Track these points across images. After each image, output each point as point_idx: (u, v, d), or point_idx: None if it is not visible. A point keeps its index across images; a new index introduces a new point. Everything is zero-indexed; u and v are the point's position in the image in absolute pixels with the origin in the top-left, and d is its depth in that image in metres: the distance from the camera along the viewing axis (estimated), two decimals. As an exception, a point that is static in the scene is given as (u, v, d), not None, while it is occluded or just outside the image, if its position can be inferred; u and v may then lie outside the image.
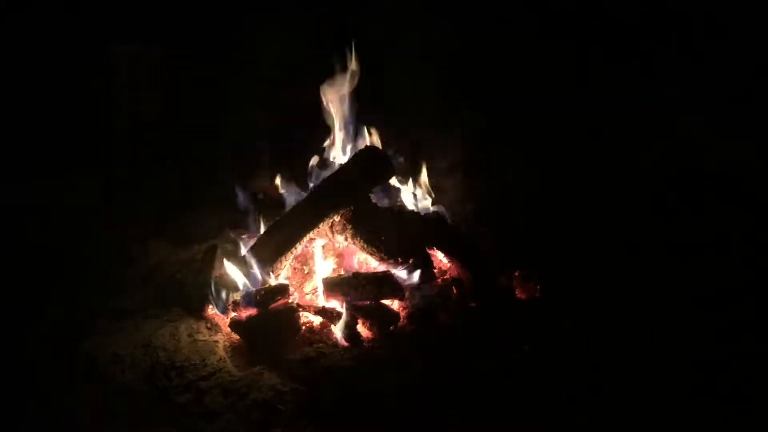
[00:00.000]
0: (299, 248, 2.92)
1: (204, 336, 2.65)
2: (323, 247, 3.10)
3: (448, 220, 3.20)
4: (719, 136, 3.79)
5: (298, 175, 3.32)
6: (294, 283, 2.95)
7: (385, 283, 2.76)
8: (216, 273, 2.90)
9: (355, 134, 3.35)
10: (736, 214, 3.33)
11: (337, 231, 3.00)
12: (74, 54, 3.98)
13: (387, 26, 4.15)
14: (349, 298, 2.72)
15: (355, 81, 3.27)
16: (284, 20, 4.15)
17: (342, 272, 2.98)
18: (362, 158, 3.13)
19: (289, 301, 2.80)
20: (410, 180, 3.39)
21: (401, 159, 3.40)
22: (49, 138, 3.82)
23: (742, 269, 2.99)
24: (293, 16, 4.19)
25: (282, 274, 2.90)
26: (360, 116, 3.34)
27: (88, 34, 4.02)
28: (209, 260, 2.98)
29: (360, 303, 2.72)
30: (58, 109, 3.96)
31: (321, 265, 2.99)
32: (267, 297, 2.71)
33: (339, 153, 3.39)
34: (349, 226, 2.96)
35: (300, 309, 2.73)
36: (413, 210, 3.22)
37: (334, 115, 3.33)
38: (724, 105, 3.87)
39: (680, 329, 2.65)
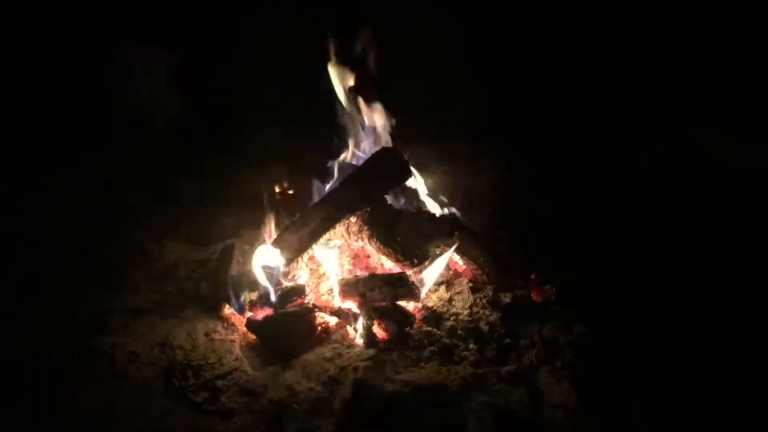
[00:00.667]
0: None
1: (220, 335, 2.66)
2: (339, 247, 3.11)
3: (464, 222, 3.20)
4: (721, 136, 3.77)
5: (314, 176, 3.32)
6: (310, 283, 2.96)
7: (401, 285, 2.76)
8: (233, 272, 2.91)
9: (370, 135, 3.36)
10: (744, 215, 3.30)
11: (353, 232, 3.01)
12: (95, 54, 4.03)
13: (391, 24, 4.15)
14: (365, 299, 2.72)
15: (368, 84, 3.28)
16: (300, 18, 4.17)
17: (358, 273, 2.98)
18: (379, 160, 3.13)
19: (305, 301, 2.81)
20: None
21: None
22: (69, 136, 3.85)
23: (748, 270, 2.96)
24: (307, 15, 4.21)
25: (299, 274, 2.91)
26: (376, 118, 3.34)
27: (108, 35, 4.06)
28: (226, 260, 3.00)
29: (376, 304, 2.72)
30: (77, 108, 4.00)
31: (337, 266, 3.00)
32: (283, 297, 2.73)
33: (355, 154, 3.39)
34: (366, 227, 2.97)
35: (316, 309, 2.73)
36: (429, 211, 3.22)
37: (349, 116, 3.34)
38: (725, 104, 3.85)
39: (690, 332, 2.63)
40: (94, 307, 2.84)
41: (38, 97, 3.91)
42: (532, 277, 2.92)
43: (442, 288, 2.85)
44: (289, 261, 2.83)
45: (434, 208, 3.30)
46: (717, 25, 4.03)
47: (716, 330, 2.64)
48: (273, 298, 2.72)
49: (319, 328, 2.69)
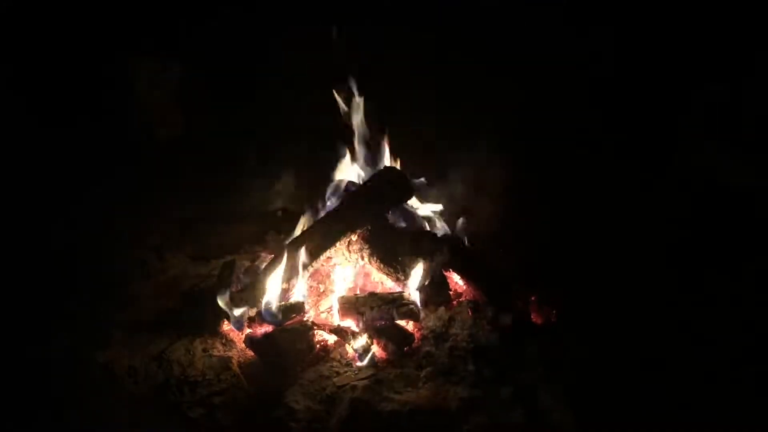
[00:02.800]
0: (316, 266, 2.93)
1: (218, 351, 2.65)
2: (340, 265, 3.11)
3: (465, 242, 3.21)
4: (734, 157, 3.77)
5: (317, 193, 3.33)
6: (309, 300, 2.95)
7: (401, 304, 2.75)
8: (233, 289, 2.91)
9: (374, 154, 3.37)
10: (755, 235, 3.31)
11: (353, 250, 3.01)
12: (99, 65, 4.06)
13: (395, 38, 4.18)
14: (364, 318, 2.72)
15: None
16: (305, 35, 4.21)
17: (358, 292, 2.98)
18: (381, 178, 3.15)
19: (305, 319, 2.80)
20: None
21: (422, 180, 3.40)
22: (72, 148, 3.87)
23: (750, 289, 2.96)
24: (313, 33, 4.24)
25: (298, 292, 2.91)
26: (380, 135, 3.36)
27: (117, 47, 4.10)
28: (226, 276, 3.00)
29: (375, 323, 2.71)
30: (80, 120, 4.02)
31: (337, 284, 2.99)
32: (283, 314, 2.73)
33: (358, 172, 3.40)
34: (366, 246, 2.97)
35: (315, 327, 2.73)
36: (430, 231, 3.22)
37: (353, 134, 3.36)
38: (740, 125, 3.86)
39: (692, 352, 2.62)
40: (95, 320, 2.84)
41: (38, 105, 3.93)
42: (533, 298, 2.91)
43: (442, 308, 2.84)
44: (289, 278, 2.82)
45: (435, 227, 3.30)
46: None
47: (718, 350, 2.63)
48: (272, 315, 2.71)
49: (318, 346, 2.68)
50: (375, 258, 2.94)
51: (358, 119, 3.36)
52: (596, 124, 4.08)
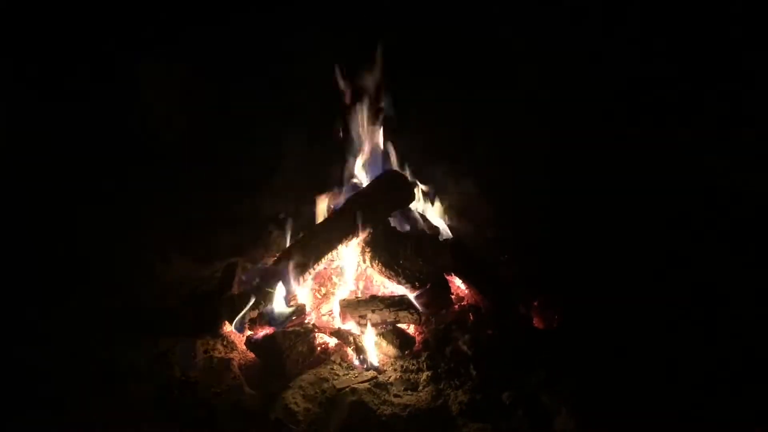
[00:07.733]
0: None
1: (220, 353, 2.66)
2: (341, 268, 3.11)
3: (467, 247, 3.20)
4: (736, 165, 3.77)
5: (319, 196, 3.33)
6: (311, 303, 2.95)
7: (402, 307, 2.74)
8: (234, 291, 2.91)
9: (377, 157, 3.37)
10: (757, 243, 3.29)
11: (356, 253, 3.01)
12: (104, 65, 4.09)
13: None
14: (365, 321, 2.71)
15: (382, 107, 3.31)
16: (311, 39, 4.23)
17: (359, 294, 2.97)
18: (383, 182, 3.15)
19: (306, 321, 2.80)
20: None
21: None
22: (79, 153, 3.89)
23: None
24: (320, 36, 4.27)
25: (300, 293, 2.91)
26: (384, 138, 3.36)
27: (123, 48, 4.13)
28: (228, 278, 3.00)
29: (376, 326, 2.71)
30: (87, 124, 4.05)
31: (338, 287, 2.99)
32: (284, 316, 2.73)
33: (361, 175, 3.40)
34: (368, 249, 2.97)
35: (316, 330, 2.73)
36: (432, 235, 3.21)
37: (358, 137, 3.36)
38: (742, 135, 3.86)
39: (698, 359, 2.60)
40: (99, 321, 2.85)
41: (43, 106, 3.95)
42: (535, 302, 2.90)
43: (444, 312, 2.83)
44: (291, 281, 2.83)
45: (438, 231, 3.29)
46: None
47: (722, 354, 2.61)
48: (274, 317, 2.72)
49: (319, 348, 2.68)
50: (377, 261, 2.93)
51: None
52: (598, 126, 4.09)
